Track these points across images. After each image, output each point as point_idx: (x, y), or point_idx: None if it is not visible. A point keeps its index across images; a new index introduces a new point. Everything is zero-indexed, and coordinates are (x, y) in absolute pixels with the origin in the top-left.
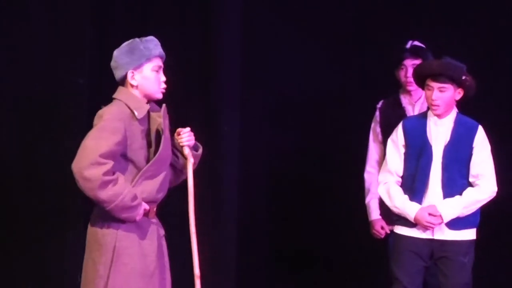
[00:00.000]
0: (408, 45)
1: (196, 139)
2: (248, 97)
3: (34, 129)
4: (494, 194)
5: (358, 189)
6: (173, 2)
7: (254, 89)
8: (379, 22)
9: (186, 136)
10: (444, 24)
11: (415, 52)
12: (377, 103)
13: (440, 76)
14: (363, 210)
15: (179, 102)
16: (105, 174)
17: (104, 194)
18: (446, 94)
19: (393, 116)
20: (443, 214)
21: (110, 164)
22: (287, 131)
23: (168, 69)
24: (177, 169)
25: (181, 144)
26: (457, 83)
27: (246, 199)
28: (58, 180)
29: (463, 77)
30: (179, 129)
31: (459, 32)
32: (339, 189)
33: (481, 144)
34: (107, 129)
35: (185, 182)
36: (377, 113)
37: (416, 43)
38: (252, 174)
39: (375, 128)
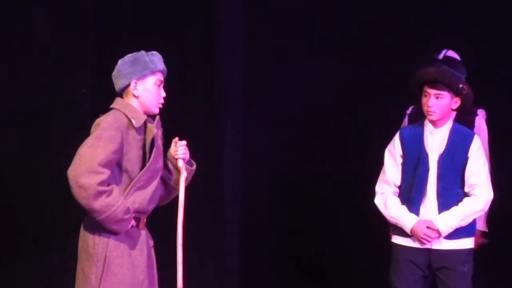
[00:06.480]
0: (441, 56)
1: (198, 148)
2: (250, 105)
3: (37, 138)
4: (490, 203)
5: (363, 194)
6: (174, 12)
7: (257, 98)
8: (385, 28)
9: (182, 149)
10: (454, 29)
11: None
12: (407, 109)
13: (437, 83)
14: (367, 215)
15: (181, 111)
16: (100, 184)
17: (97, 204)
18: (442, 101)
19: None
20: (441, 229)
21: (106, 174)
22: (290, 140)
23: (170, 77)
24: (169, 185)
25: (176, 156)
26: (454, 91)
27: (249, 207)
28: (60, 188)
29: (460, 85)
30: (176, 139)
31: (469, 36)
32: (343, 196)
33: (476, 153)
34: (104, 138)
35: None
36: (406, 119)
37: (451, 54)
38: (254, 183)
39: None
